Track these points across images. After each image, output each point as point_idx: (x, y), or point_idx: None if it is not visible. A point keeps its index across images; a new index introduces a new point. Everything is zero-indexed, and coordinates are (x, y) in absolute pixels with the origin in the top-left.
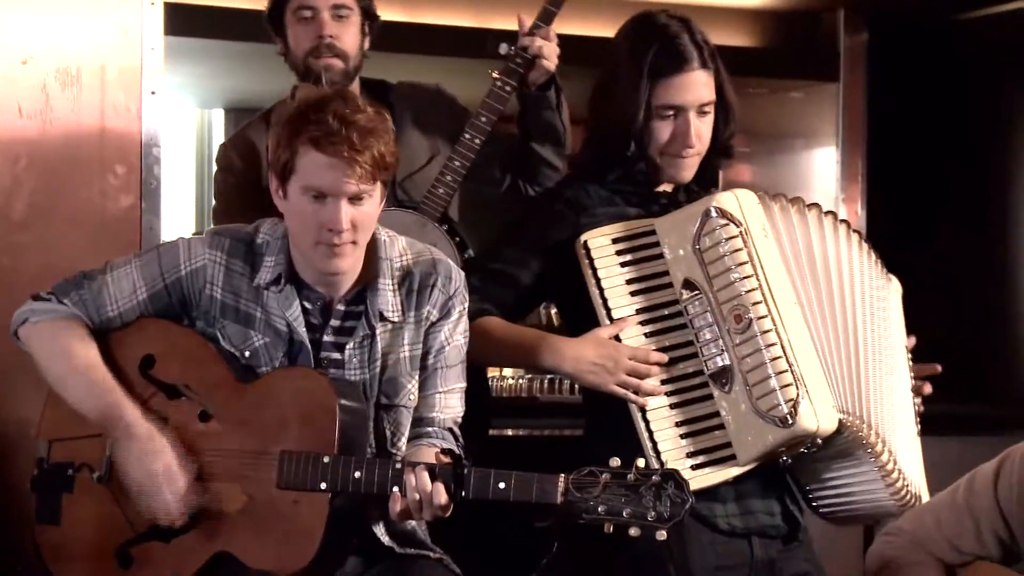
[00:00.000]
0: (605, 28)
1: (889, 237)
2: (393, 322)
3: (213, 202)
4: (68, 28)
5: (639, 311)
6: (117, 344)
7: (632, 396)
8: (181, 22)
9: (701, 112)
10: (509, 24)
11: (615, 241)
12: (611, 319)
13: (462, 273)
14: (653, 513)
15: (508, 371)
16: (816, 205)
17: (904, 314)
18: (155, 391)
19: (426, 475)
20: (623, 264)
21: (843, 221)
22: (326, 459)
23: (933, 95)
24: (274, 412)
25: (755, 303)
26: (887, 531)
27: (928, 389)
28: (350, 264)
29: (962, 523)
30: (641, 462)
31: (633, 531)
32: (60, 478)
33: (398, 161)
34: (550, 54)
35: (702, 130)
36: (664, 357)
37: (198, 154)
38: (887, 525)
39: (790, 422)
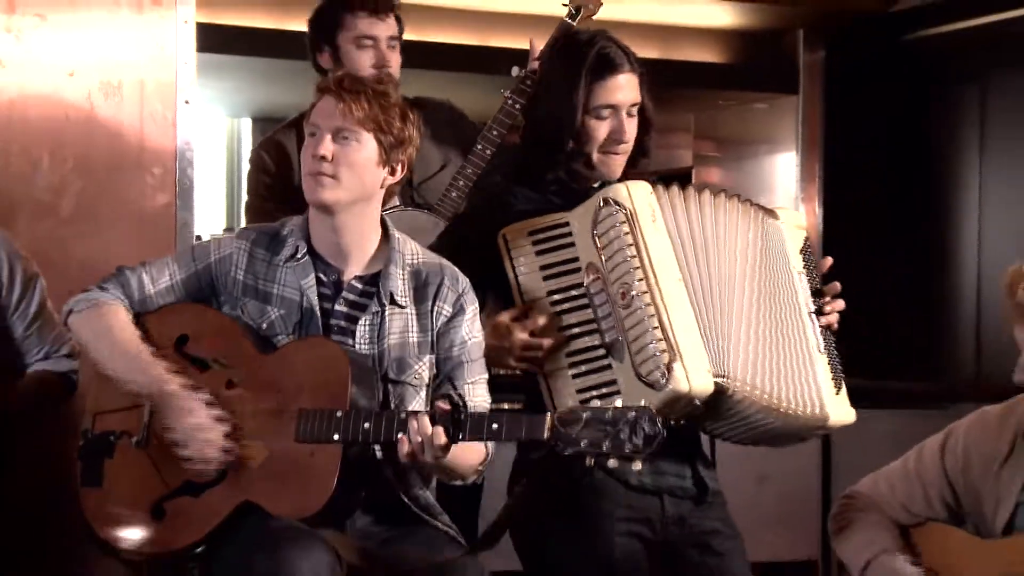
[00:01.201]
0: None
1: (843, 232)
2: (402, 306)
3: (245, 198)
4: (111, 45)
5: (549, 293)
6: (154, 324)
7: (531, 367)
8: (212, 40)
9: (629, 113)
10: (510, 43)
11: (531, 233)
12: (524, 303)
13: (466, 278)
14: (629, 445)
15: None
16: (706, 186)
17: (856, 300)
18: (188, 365)
19: (427, 419)
20: (538, 253)
21: (725, 192)
22: (339, 414)
23: (883, 106)
24: (292, 376)
25: (638, 280)
26: (846, 494)
27: (837, 307)
28: (332, 198)
29: (912, 490)
30: (619, 402)
31: (612, 462)
32: (102, 445)
33: (404, 139)
34: None
35: (631, 129)
36: (551, 329)
37: (228, 159)
38: (847, 489)
39: (664, 384)
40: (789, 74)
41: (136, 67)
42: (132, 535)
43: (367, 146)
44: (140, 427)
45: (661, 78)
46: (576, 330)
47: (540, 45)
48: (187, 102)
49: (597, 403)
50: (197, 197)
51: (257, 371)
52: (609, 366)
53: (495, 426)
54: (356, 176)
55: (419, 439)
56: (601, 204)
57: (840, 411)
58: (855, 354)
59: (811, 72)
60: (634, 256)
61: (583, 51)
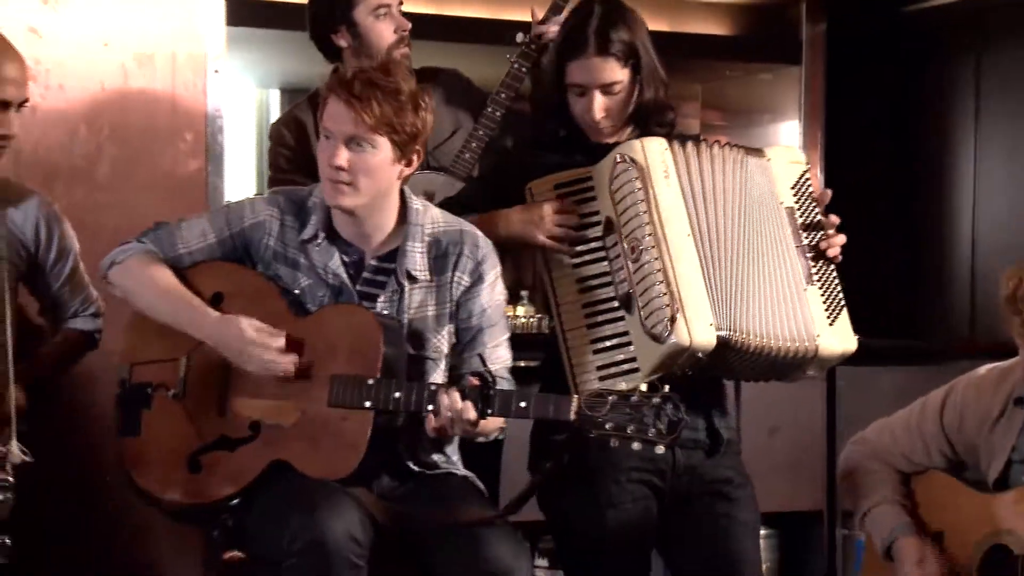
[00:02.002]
0: None
1: (844, 197)
2: (420, 281)
3: (268, 172)
4: (144, 17)
5: (571, 244)
6: (191, 281)
7: (559, 246)
8: (241, 13)
9: (606, 91)
10: (519, 15)
11: (556, 187)
12: (546, 255)
13: (489, 241)
14: (653, 430)
15: (520, 310)
16: (717, 141)
17: (857, 263)
18: None
19: (457, 395)
20: None
21: (735, 146)
22: (371, 381)
23: (882, 77)
24: (326, 341)
25: (648, 235)
26: (854, 440)
27: (835, 239)
28: (350, 203)
29: (914, 441)
30: (644, 386)
31: (636, 445)
32: (140, 396)
33: (418, 131)
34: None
35: (608, 104)
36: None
37: (258, 128)
38: (855, 435)
39: (667, 337)
40: (792, 46)
41: (168, 38)
42: (170, 486)
43: (382, 149)
44: (177, 380)
45: (670, 50)
46: (593, 282)
47: (541, 13)
48: (216, 71)
49: (610, 354)
50: (227, 163)
51: (291, 332)
52: (622, 318)
53: (523, 404)
54: (373, 180)
55: (449, 415)
56: (617, 160)
57: (832, 340)
58: (858, 314)
59: (813, 44)
60: (645, 212)
61: (563, 30)
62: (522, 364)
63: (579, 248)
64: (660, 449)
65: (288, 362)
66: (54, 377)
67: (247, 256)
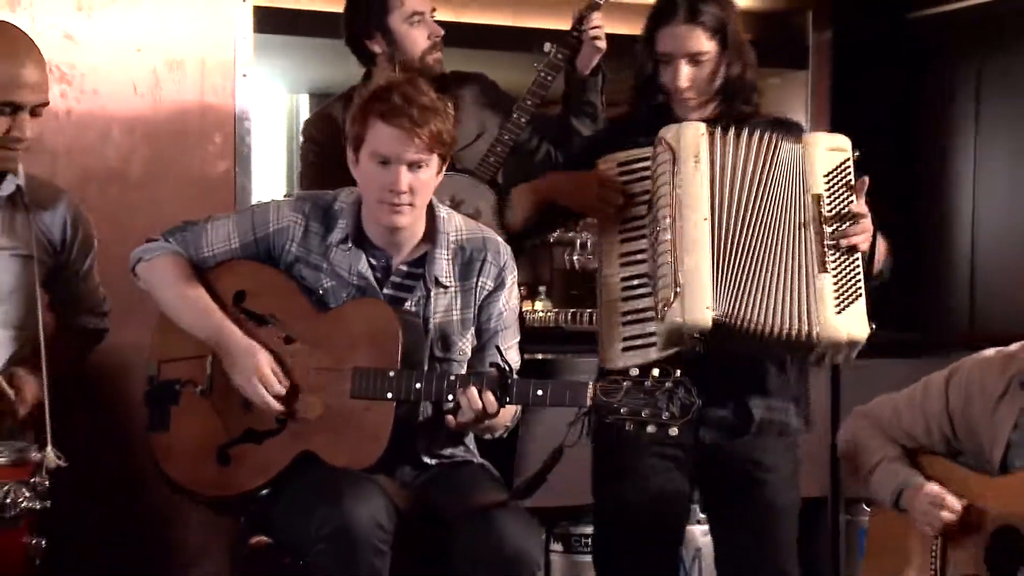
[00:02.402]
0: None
1: None
2: (446, 287)
3: (299, 167)
4: (175, 24)
5: (623, 220)
6: (214, 280)
7: (606, 210)
8: (268, 21)
9: (693, 60)
10: (544, 24)
11: (620, 164)
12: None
13: (508, 248)
14: (667, 413)
15: (539, 305)
16: (758, 130)
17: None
18: (245, 320)
19: (475, 391)
20: (624, 183)
21: (775, 132)
22: (391, 373)
23: (887, 81)
24: (347, 335)
25: (667, 217)
26: (855, 413)
27: (856, 228)
28: (408, 222)
29: (916, 419)
30: (656, 371)
31: (650, 428)
32: (168, 392)
33: (455, 140)
34: (599, 47)
35: (694, 74)
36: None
37: (288, 131)
38: (859, 408)
39: (664, 316)
40: (799, 52)
41: (197, 44)
42: (200, 478)
43: (434, 165)
44: (204, 376)
45: None
46: (632, 258)
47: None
48: (244, 76)
49: (634, 328)
50: (255, 164)
51: (313, 328)
52: (648, 295)
53: (540, 392)
54: (427, 194)
55: (472, 414)
56: (657, 143)
57: (837, 327)
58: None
59: (820, 50)
60: (667, 195)
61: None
62: (539, 357)
63: (625, 225)
64: (674, 431)
65: (277, 410)
66: (69, 373)
67: (269, 258)
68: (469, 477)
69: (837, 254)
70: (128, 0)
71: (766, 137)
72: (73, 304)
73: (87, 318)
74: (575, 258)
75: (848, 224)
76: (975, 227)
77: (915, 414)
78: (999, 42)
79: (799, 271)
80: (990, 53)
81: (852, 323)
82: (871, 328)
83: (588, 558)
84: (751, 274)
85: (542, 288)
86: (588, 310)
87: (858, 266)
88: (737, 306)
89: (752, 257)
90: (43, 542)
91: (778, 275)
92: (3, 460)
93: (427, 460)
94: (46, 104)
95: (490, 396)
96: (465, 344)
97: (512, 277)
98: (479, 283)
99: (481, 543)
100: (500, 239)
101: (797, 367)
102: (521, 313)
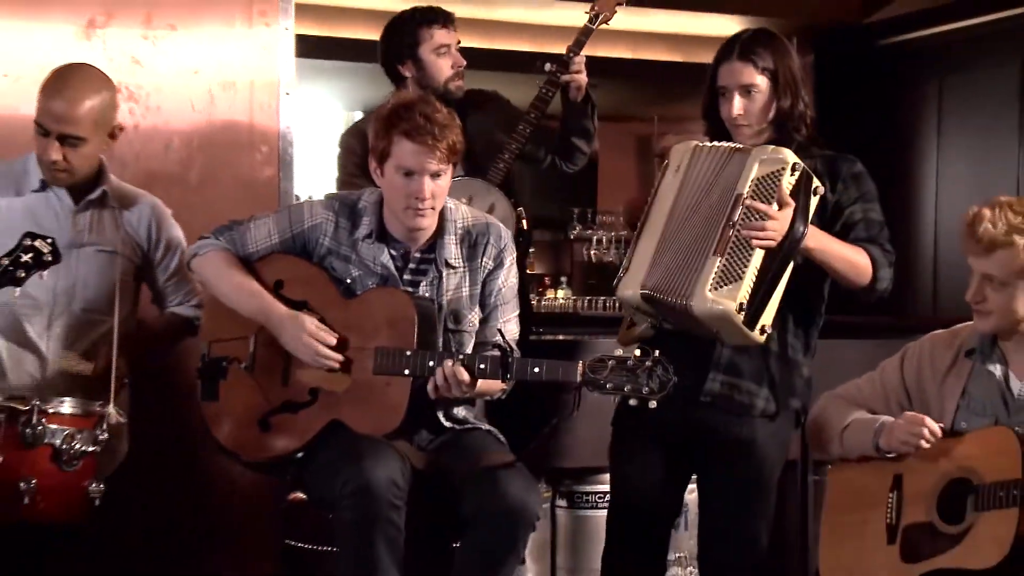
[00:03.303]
0: None
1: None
2: (455, 267)
3: (336, 175)
4: (227, 50)
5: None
6: (257, 272)
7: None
8: (309, 48)
9: (745, 92)
10: (552, 48)
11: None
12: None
13: (508, 232)
14: (647, 388)
15: (560, 293)
16: (739, 148)
17: None
18: (285, 304)
19: (460, 368)
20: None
21: (737, 148)
22: (408, 352)
23: (861, 98)
24: (370, 319)
25: (644, 212)
26: (824, 395)
27: (757, 224)
28: (430, 223)
29: (876, 393)
30: (637, 351)
31: (632, 401)
32: (217, 368)
33: (464, 147)
34: (580, 83)
35: (747, 105)
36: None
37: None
38: (825, 393)
39: (613, 291)
40: None
41: (247, 67)
42: (245, 443)
43: (449, 172)
44: (247, 354)
45: (684, 77)
46: None
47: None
48: (287, 94)
49: None
50: (297, 170)
51: (342, 313)
52: None
53: (536, 369)
54: (444, 197)
55: (445, 382)
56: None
57: (705, 301)
58: (839, 295)
59: (803, 70)
60: (649, 196)
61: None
62: (560, 338)
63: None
64: (653, 404)
65: (334, 359)
66: (157, 353)
67: (304, 252)
68: (477, 441)
69: (734, 243)
70: (187, 29)
71: (727, 150)
72: (167, 297)
73: (185, 308)
74: (592, 252)
75: (753, 219)
76: (937, 223)
77: (875, 388)
78: (957, 64)
79: (700, 254)
80: (949, 73)
81: (720, 300)
82: (743, 306)
83: (589, 512)
84: (675, 257)
85: (563, 278)
86: (603, 297)
87: (749, 255)
88: (659, 282)
89: (682, 244)
90: (101, 486)
91: (688, 258)
92: (73, 410)
93: (444, 423)
94: (77, 137)
95: (462, 370)
96: (474, 317)
97: (511, 258)
98: (482, 263)
99: (487, 497)
100: (502, 225)
101: (782, 358)
102: (529, 301)
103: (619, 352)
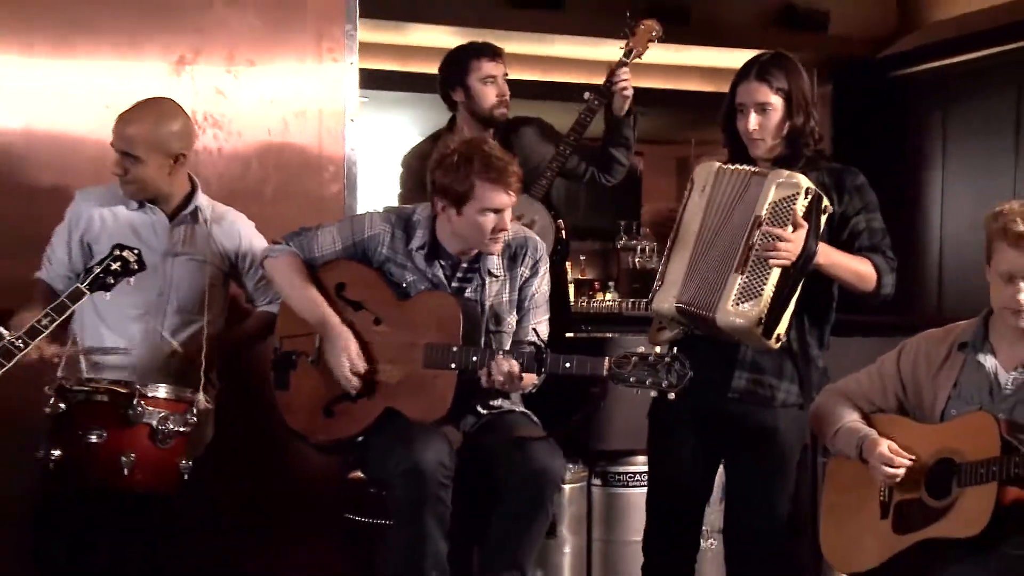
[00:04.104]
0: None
1: None
2: (497, 276)
3: (399, 190)
4: (299, 82)
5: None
6: (322, 275)
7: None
8: (370, 81)
9: (760, 109)
10: (579, 80)
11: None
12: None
13: (544, 245)
14: (666, 382)
15: (608, 296)
16: (758, 171)
17: None
18: (345, 305)
19: (513, 362)
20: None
21: (756, 171)
22: (455, 348)
23: (874, 124)
24: (421, 318)
25: (673, 230)
26: (825, 389)
27: (772, 245)
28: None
29: (875, 385)
30: (658, 349)
31: (653, 393)
32: (288, 361)
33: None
34: (626, 95)
35: (762, 121)
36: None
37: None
38: (827, 386)
39: (649, 304)
40: None
41: (316, 97)
42: (312, 427)
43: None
44: (313, 349)
45: (715, 106)
46: None
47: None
48: (352, 120)
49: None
50: (360, 187)
51: (396, 313)
52: None
53: (567, 364)
54: None
55: (500, 377)
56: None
57: (728, 315)
58: (844, 294)
59: (822, 99)
60: (679, 213)
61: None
62: (608, 335)
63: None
64: (671, 396)
65: (355, 386)
66: (250, 346)
67: (364, 258)
68: (512, 420)
69: (754, 262)
70: (264, 65)
71: (747, 173)
72: (255, 299)
73: (273, 306)
74: (636, 260)
75: (769, 240)
76: (942, 233)
77: (873, 380)
78: (959, 94)
79: (724, 272)
80: (952, 102)
81: (742, 315)
82: (762, 320)
83: (621, 490)
84: (703, 274)
85: (611, 283)
86: (644, 300)
87: (767, 273)
88: (691, 297)
89: (709, 262)
90: (190, 463)
91: (714, 275)
92: (168, 395)
93: (481, 411)
94: (133, 156)
95: (514, 364)
96: (512, 319)
97: (544, 268)
98: (520, 272)
99: (516, 464)
100: (538, 239)
101: (800, 354)
102: (563, 295)
103: (641, 349)
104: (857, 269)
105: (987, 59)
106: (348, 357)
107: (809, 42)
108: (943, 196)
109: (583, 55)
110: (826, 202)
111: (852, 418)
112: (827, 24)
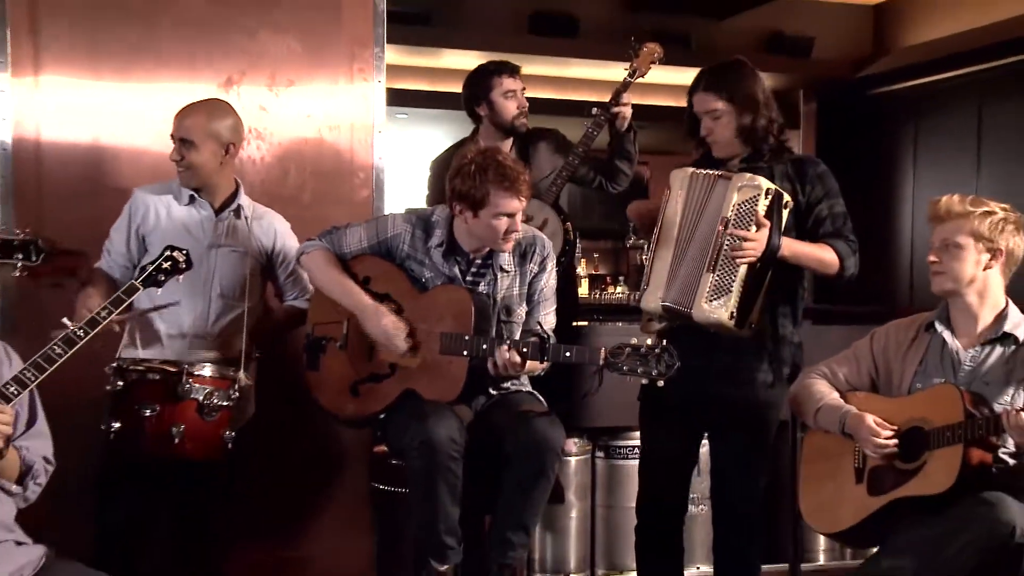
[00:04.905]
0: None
1: None
2: (507, 271)
3: (426, 192)
4: (333, 98)
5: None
6: (351, 268)
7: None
8: (395, 98)
9: (712, 117)
10: (587, 97)
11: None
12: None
13: (551, 244)
14: (655, 371)
15: (618, 289)
16: (723, 175)
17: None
18: (371, 297)
19: (513, 352)
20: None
21: (720, 175)
22: (467, 337)
23: (854, 135)
24: (437, 310)
25: (655, 231)
26: (804, 372)
27: (738, 246)
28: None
29: (850, 364)
30: (649, 341)
31: (643, 381)
32: (318, 345)
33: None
34: (626, 116)
35: (713, 126)
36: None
37: None
38: (806, 368)
39: (637, 303)
40: (794, 116)
41: (349, 112)
42: (340, 405)
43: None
44: (342, 335)
45: None
46: None
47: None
48: (380, 132)
49: None
50: (388, 192)
51: (415, 303)
52: None
53: (568, 353)
54: None
55: (507, 366)
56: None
57: (703, 311)
58: (823, 286)
59: (808, 115)
60: (660, 216)
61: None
62: (620, 324)
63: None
64: (660, 383)
65: (402, 345)
66: (278, 335)
67: (388, 254)
68: (518, 398)
69: (723, 262)
70: (302, 84)
71: (714, 178)
72: (284, 293)
73: (299, 301)
74: (643, 257)
75: (736, 241)
76: (913, 233)
77: (850, 361)
78: (927, 110)
79: (696, 269)
80: (922, 117)
81: (715, 310)
82: (733, 314)
83: (621, 462)
84: (682, 274)
85: (621, 277)
86: None
87: (736, 271)
88: (675, 297)
89: (687, 264)
90: (233, 434)
91: (690, 275)
92: (212, 373)
93: (492, 392)
94: (189, 140)
95: (515, 354)
96: (521, 311)
97: (551, 265)
98: (529, 267)
99: (520, 436)
100: (546, 238)
101: (775, 335)
102: (571, 289)
103: (635, 341)
104: (820, 256)
105: (952, 79)
106: (390, 323)
107: (795, 65)
108: (914, 199)
109: (595, 76)
110: (787, 198)
111: (832, 396)
112: (811, 49)
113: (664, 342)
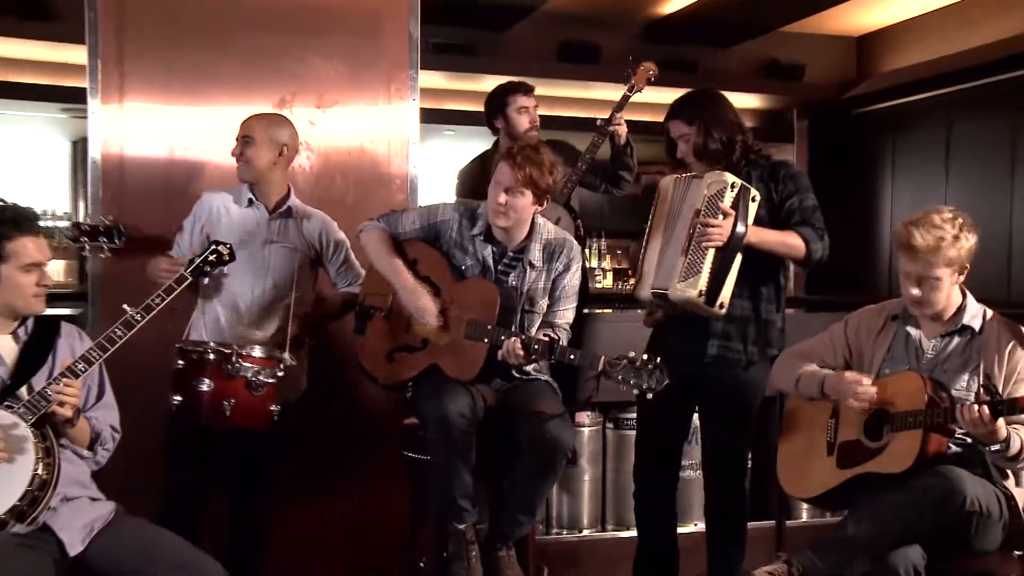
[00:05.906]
0: None
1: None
2: (536, 267)
3: (455, 196)
4: (374, 116)
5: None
6: (403, 250)
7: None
8: (427, 116)
9: (683, 139)
10: (592, 114)
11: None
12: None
13: (578, 246)
14: (646, 384)
15: (632, 282)
16: (696, 175)
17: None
18: (416, 277)
19: (519, 344)
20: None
21: (693, 175)
22: (490, 326)
23: (840, 150)
24: (468, 298)
25: (648, 227)
26: (783, 353)
27: (707, 231)
28: (506, 224)
29: (825, 347)
30: (644, 356)
31: (635, 392)
32: (367, 312)
33: (549, 188)
34: (621, 133)
35: (684, 149)
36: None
37: None
38: (784, 350)
39: (631, 293)
40: (788, 132)
41: (387, 127)
42: (378, 368)
43: (527, 197)
44: (387, 307)
45: None
46: None
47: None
48: (414, 143)
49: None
50: (423, 197)
51: (452, 289)
52: None
53: (572, 356)
54: (519, 213)
55: (511, 356)
56: None
57: (676, 291)
58: (810, 277)
59: (800, 132)
60: (651, 215)
61: None
62: (638, 311)
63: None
64: (649, 396)
65: (432, 320)
66: (336, 318)
67: (437, 239)
68: (536, 389)
69: (693, 247)
70: (347, 104)
71: (689, 178)
72: (340, 280)
73: (351, 288)
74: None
75: (704, 228)
76: (891, 234)
77: (824, 343)
78: (905, 128)
79: (673, 255)
80: (900, 133)
81: (685, 290)
82: (702, 292)
83: (628, 432)
84: (665, 263)
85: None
86: None
87: (704, 255)
88: (659, 280)
89: (670, 252)
90: (279, 407)
91: (671, 259)
92: (260, 354)
93: (515, 375)
94: (249, 137)
95: (519, 346)
96: (543, 304)
97: (577, 265)
98: (555, 266)
99: (534, 432)
100: (575, 242)
101: (759, 320)
102: (587, 285)
103: (632, 354)
104: (786, 241)
105: (925, 100)
106: (424, 302)
107: (789, 88)
108: (892, 205)
109: (615, 97)
110: (754, 192)
111: (811, 366)
112: (803, 74)
113: (658, 360)
